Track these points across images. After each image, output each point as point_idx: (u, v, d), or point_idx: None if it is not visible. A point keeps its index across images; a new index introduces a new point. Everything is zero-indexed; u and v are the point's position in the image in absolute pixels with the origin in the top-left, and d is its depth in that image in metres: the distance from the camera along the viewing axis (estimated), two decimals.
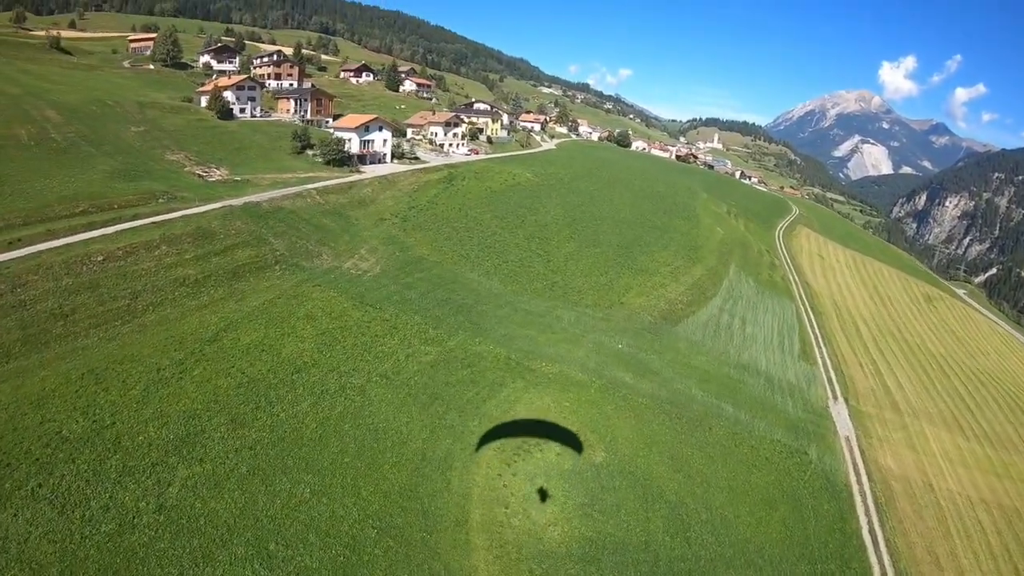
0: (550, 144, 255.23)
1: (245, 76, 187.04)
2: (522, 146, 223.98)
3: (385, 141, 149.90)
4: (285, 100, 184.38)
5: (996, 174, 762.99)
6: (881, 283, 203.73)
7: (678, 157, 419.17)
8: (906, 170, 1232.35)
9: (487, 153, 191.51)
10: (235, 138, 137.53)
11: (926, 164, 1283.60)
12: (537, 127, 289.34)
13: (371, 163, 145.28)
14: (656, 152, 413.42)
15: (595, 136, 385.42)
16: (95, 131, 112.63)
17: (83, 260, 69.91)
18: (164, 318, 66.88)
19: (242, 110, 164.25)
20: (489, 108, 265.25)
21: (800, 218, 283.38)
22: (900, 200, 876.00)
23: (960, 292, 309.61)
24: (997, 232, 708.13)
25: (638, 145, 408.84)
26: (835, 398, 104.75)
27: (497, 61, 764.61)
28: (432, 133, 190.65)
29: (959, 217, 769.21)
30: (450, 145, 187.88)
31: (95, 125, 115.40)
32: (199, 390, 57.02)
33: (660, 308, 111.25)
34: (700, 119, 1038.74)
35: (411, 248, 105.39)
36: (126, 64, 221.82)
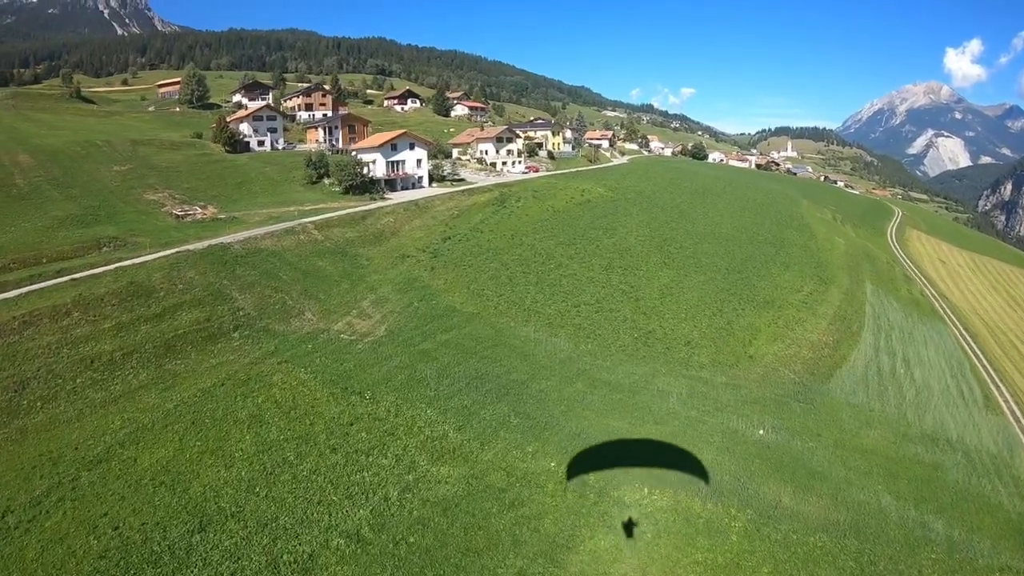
0: (621, 159, 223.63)
1: (263, 105, 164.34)
2: (590, 161, 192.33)
3: (419, 161, 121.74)
4: (314, 130, 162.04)
5: None
6: (1010, 286, 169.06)
7: (758, 166, 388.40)
8: (985, 160, 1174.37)
9: (548, 170, 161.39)
10: (240, 172, 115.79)
11: (1005, 151, 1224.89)
12: (605, 143, 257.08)
13: (403, 188, 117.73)
14: (734, 163, 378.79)
15: (667, 151, 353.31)
16: (69, 173, 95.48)
17: None
18: (54, 419, 44.78)
19: (260, 143, 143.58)
20: (549, 122, 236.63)
21: (905, 219, 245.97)
22: (985, 192, 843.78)
23: None
24: None
25: (714, 157, 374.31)
26: None
27: (558, 90, 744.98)
28: (481, 151, 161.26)
29: None
30: (503, 164, 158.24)
31: (71, 167, 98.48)
32: (40, 559, 32.86)
33: (803, 357, 77.27)
34: (769, 129, 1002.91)
35: (438, 295, 75.59)
36: (151, 108, 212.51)
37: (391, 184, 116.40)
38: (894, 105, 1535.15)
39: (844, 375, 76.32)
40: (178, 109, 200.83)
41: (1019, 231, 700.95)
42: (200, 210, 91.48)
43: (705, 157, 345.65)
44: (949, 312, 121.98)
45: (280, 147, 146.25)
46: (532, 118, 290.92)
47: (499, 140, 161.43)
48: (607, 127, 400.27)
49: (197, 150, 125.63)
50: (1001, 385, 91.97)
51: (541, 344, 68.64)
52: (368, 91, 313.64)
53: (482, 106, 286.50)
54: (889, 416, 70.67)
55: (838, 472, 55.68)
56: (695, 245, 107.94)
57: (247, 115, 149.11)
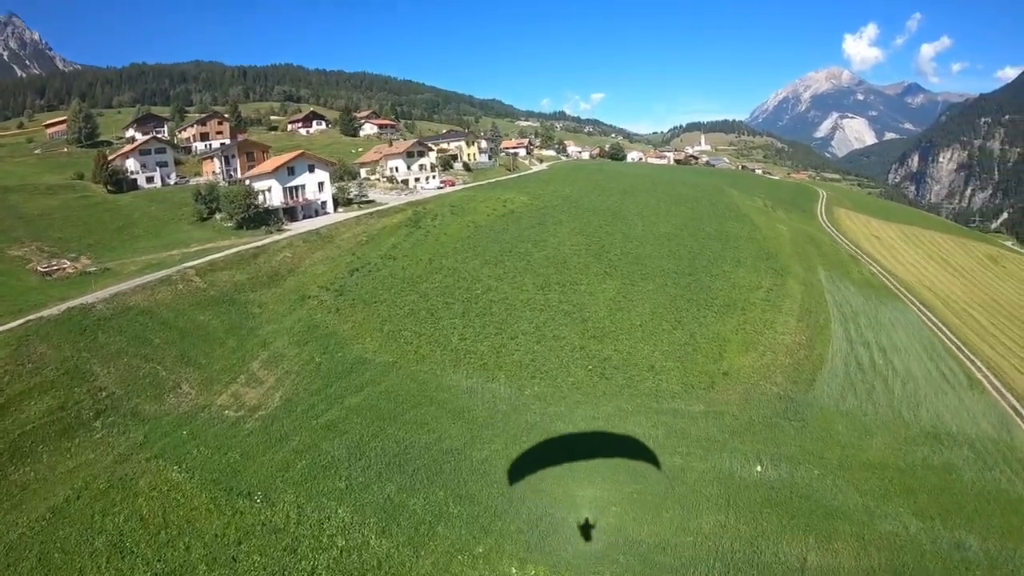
0: (540, 166, 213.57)
1: (149, 138, 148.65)
2: (508, 170, 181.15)
3: (321, 185, 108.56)
4: (209, 160, 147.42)
5: (983, 119, 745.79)
6: (944, 253, 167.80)
7: (677, 161, 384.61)
8: (890, 136, 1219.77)
9: (465, 183, 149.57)
10: (121, 214, 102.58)
11: (908, 126, 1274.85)
12: (522, 152, 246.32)
13: (305, 216, 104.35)
14: (653, 160, 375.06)
15: (585, 155, 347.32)
16: None
17: None
18: None
19: (149, 179, 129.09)
20: (463, 132, 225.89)
21: (831, 200, 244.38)
22: (893, 166, 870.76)
23: (1008, 244, 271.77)
24: (997, 177, 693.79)
25: (633, 156, 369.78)
26: None
27: (470, 104, 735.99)
28: (391, 168, 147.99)
29: (955, 170, 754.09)
30: (416, 180, 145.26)
31: None
32: None
33: (781, 365, 67.48)
34: (681, 126, 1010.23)
35: (345, 343, 62.43)
36: (37, 151, 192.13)
37: (291, 213, 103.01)
38: (798, 93, 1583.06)
39: (827, 378, 67.28)
40: (66, 149, 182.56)
41: (929, 199, 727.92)
42: (69, 264, 77.74)
43: (624, 157, 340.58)
44: (902, 289, 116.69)
45: (172, 182, 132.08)
46: (445, 131, 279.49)
47: (410, 155, 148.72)
48: (522, 135, 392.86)
49: (76, 193, 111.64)
50: (975, 359, 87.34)
51: (476, 394, 56.21)
52: (272, 117, 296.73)
53: (392, 123, 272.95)
54: (884, 418, 62.76)
55: (854, 501, 47.35)
56: (636, 249, 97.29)
57: (132, 149, 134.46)
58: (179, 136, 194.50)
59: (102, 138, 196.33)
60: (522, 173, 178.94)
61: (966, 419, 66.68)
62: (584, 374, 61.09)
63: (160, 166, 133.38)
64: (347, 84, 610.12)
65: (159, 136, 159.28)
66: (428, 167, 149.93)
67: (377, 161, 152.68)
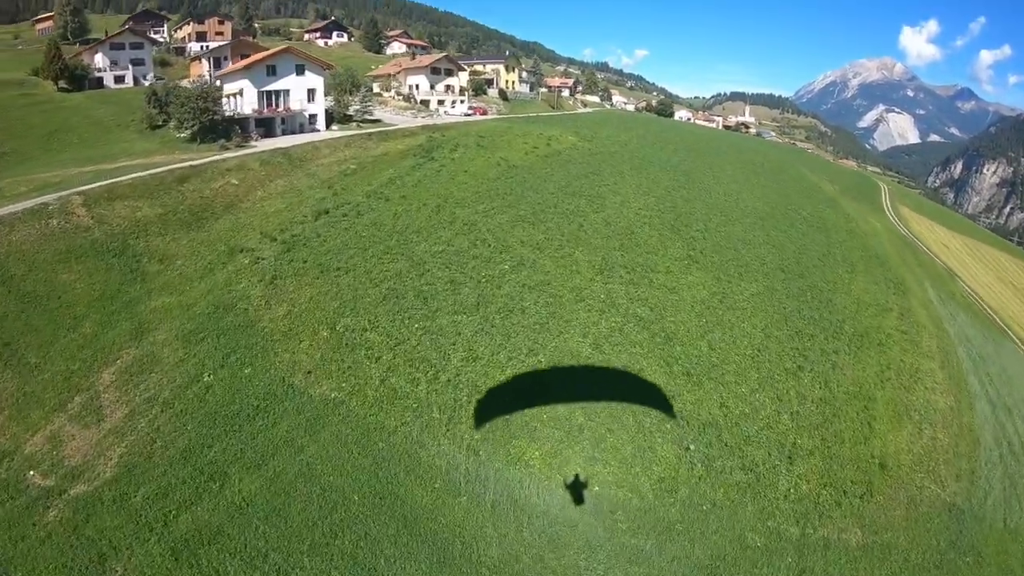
0: (585, 110, 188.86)
1: (123, 31, 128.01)
2: (552, 107, 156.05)
3: (312, 93, 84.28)
4: (198, 62, 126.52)
5: None
6: (1011, 277, 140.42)
7: (726, 127, 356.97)
8: (934, 138, 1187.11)
9: (500, 113, 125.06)
10: (59, 117, 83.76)
11: (954, 131, 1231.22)
12: (566, 92, 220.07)
13: (288, 132, 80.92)
14: (702, 123, 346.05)
15: (631, 107, 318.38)
16: None
17: None
18: None
19: (119, 78, 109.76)
20: (503, 55, 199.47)
21: (893, 195, 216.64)
22: (935, 169, 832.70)
23: None
24: None
25: (681, 115, 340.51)
26: None
27: (511, 44, 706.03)
28: (410, 86, 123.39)
29: (998, 184, 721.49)
30: (440, 103, 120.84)
31: None
32: None
33: (941, 448, 42.74)
34: (724, 94, 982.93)
35: (265, 349, 37.34)
36: (20, 47, 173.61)
37: (266, 125, 79.27)
38: (847, 78, 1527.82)
39: (984, 468, 43.55)
40: None
41: (967, 209, 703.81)
42: None
43: (672, 115, 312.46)
44: (999, 321, 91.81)
45: (147, 83, 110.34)
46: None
47: (435, 71, 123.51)
48: (566, 74, 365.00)
49: (21, 91, 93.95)
50: None
51: (484, 497, 30.18)
52: (292, 30, 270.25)
53: (424, 44, 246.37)
54: None
55: None
56: (725, 228, 70.14)
57: (102, 42, 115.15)
58: (175, 36, 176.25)
59: (93, 36, 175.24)
60: (567, 112, 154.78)
61: None
62: (676, 458, 35.22)
63: (135, 64, 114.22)
64: (385, 10, 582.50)
65: (132, 28, 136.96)
66: (456, 90, 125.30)
67: (394, 75, 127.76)
